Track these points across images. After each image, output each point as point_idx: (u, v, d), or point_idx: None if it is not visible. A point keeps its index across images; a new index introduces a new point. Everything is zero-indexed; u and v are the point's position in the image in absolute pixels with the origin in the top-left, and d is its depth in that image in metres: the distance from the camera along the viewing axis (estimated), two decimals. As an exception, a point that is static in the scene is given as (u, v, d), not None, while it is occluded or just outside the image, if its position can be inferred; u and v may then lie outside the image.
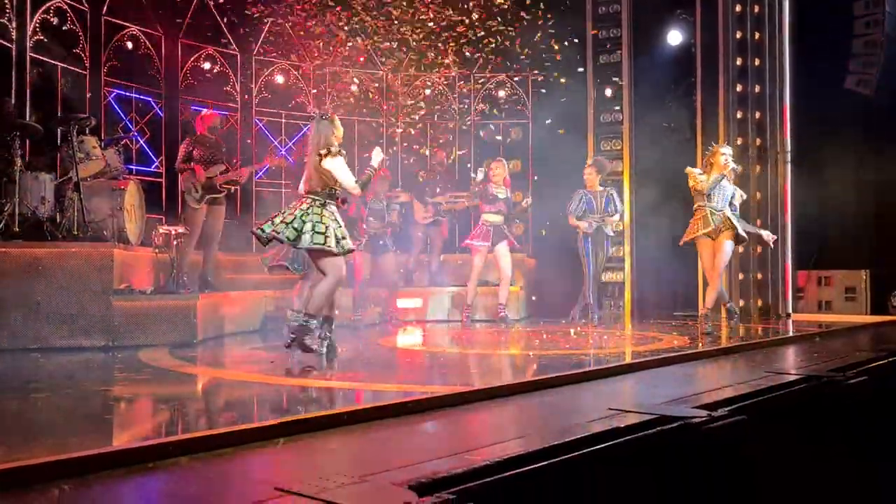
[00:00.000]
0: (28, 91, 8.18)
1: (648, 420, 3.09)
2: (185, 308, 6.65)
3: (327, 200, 5.59)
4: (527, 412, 3.69)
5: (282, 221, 5.50)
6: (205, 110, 8.85)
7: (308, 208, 5.52)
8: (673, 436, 3.05)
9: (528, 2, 10.85)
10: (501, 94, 11.77)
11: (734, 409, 3.43)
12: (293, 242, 5.47)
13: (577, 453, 2.70)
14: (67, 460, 2.39)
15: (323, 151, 5.53)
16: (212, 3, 10.15)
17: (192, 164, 7.95)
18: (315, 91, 10.92)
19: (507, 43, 11.20)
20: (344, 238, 5.60)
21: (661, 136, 10.51)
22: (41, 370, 5.24)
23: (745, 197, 7.74)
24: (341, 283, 5.75)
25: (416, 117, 11.49)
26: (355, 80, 11.23)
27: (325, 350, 5.57)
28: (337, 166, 5.53)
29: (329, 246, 5.45)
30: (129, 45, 9.38)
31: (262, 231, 5.54)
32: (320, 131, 5.62)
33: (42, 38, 8.38)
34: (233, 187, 8.51)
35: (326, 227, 5.49)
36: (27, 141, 7.41)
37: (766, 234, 7.78)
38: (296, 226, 5.46)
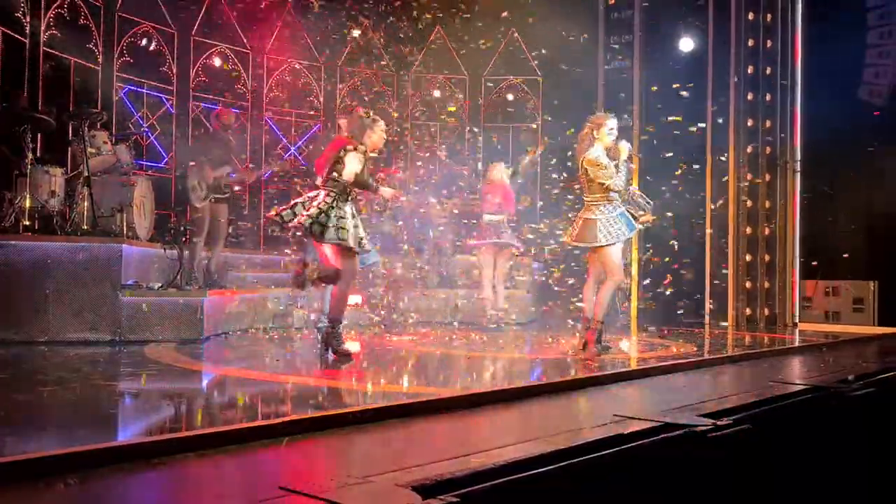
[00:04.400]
0: (41, 85, 8.22)
1: (653, 427, 3.09)
2: (192, 304, 6.66)
3: (346, 195, 5.61)
4: (532, 416, 3.69)
5: (306, 214, 5.50)
6: (219, 107, 8.86)
7: (333, 202, 5.54)
8: (677, 444, 3.05)
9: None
10: (510, 96, 11.75)
11: (739, 419, 3.42)
12: (319, 238, 5.50)
13: (580, 459, 2.70)
14: (74, 454, 2.40)
15: (350, 147, 5.58)
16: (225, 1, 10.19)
17: (203, 160, 7.91)
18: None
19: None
20: (363, 239, 5.68)
21: (670, 144, 10.46)
22: (48, 363, 5.26)
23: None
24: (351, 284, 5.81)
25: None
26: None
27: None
28: (351, 159, 5.54)
29: (347, 242, 5.48)
30: (143, 41, 9.42)
31: (282, 218, 5.57)
32: (361, 127, 5.69)
33: (56, 32, 8.42)
34: (236, 186, 8.50)
35: (347, 224, 5.54)
36: (38, 135, 7.44)
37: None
38: (321, 220, 5.48)
